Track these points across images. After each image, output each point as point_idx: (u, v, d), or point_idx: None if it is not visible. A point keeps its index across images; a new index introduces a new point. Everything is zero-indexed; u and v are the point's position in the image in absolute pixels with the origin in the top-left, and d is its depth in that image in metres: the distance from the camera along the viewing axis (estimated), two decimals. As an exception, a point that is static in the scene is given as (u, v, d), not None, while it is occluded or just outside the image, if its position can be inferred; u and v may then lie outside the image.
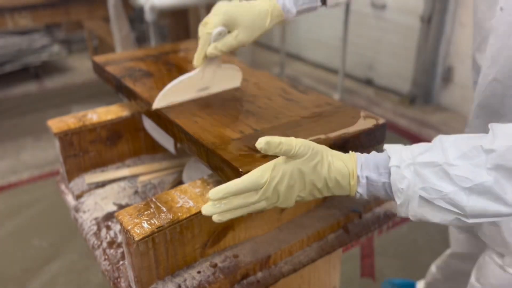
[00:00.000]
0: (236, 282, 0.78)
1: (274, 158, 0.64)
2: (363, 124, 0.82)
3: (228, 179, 0.70)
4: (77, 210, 0.97)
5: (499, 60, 0.76)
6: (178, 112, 0.86)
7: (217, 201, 0.62)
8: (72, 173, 1.05)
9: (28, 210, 2.31)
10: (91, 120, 1.03)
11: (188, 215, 0.71)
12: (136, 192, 1.01)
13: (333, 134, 0.78)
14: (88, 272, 1.91)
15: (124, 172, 1.06)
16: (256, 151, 0.71)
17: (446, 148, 0.57)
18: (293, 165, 0.61)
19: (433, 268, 1.41)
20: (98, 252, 0.85)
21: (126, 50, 2.67)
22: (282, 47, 3.99)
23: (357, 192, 0.63)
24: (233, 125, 0.81)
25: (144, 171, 1.07)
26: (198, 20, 3.34)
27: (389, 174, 0.61)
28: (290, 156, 0.61)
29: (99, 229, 0.90)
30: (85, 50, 4.57)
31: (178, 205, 0.72)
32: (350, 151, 0.66)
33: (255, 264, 0.79)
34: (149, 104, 0.91)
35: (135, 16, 4.46)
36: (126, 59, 1.14)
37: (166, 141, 1.03)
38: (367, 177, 0.62)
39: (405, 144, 0.64)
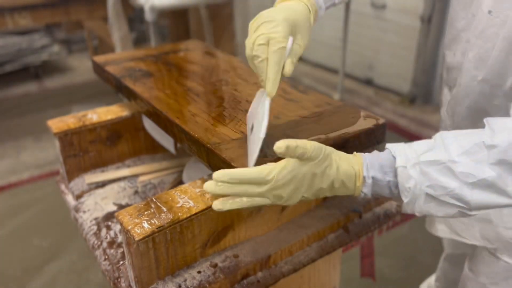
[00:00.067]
0: (236, 282, 0.78)
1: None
2: (363, 124, 0.82)
3: (228, 179, 0.70)
4: (77, 210, 0.97)
5: (487, 61, 0.78)
6: (178, 112, 0.86)
7: (221, 183, 0.62)
8: (72, 173, 1.05)
9: (28, 210, 2.31)
10: (91, 120, 1.03)
11: (188, 215, 0.71)
12: (136, 192, 1.01)
13: (333, 134, 0.78)
14: (88, 272, 1.91)
15: (124, 172, 1.06)
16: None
17: (448, 145, 0.59)
18: (304, 167, 0.62)
19: (431, 281, 1.41)
20: (98, 252, 0.85)
21: (126, 50, 2.67)
22: (282, 47, 3.99)
23: (362, 192, 0.65)
24: (233, 125, 0.81)
25: (144, 171, 1.07)
26: (198, 20, 3.35)
27: (394, 173, 0.63)
28: (304, 159, 0.61)
29: (99, 229, 0.90)
30: (85, 50, 4.57)
31: (178, 205, 0.72)
32: (354, 152, 0.66)
33: (255, 264, 0.79)
34: (149, 104, 0.91)
35: (135, 16, 4.46)
36: (126, 59, 1.14)
37: (166, 141, 1.03)
38: (373, 177, 0.63)
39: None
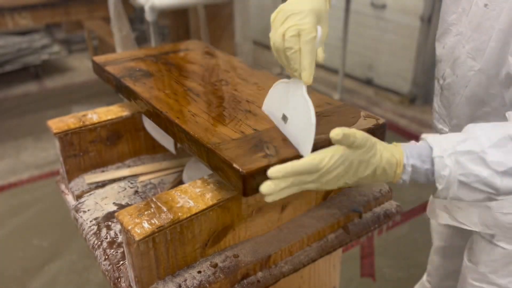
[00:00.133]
0: (237, 282, 0.78)
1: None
2: (363, 124, 0.82)
3: (228, 179, 0.70)
4: (77, 210, 0.97)
5: (484, 53, 0.82)
6: (178, 112, 0.86)
7: (275, 180, 0.63)
8: (72, 173, 1.05)
9: (28, 210, 2.31)
10: (91, 120, 1.03)
11: (188, 215, 0.71)
12: (136, 192, 1.01)
13: (333, 134, 0.78)
14: (88, 272, 1.91)
15: (124, 172, 1.06)
16: (257, 151, 0.71)
17: (478, 137, 0.66)
18: (352, 155, 0.65)
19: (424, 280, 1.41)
20: (98, 252, 0.85)
21: (126, 50, 2.67)
22: (282, 47, 3.98)
23: (401, 179, 0.69)
24: (233, 125, 0.81)
25: (144, 171, 1.07)
26: (198, 20, 3.35)
27: (431, 162, 0.68)
28: (353, 147, 0.65)
29: (99, 229, 0.90)
30: (85, 50, 4.57)
31: (179, 205, 0.72)
32: (393, 142, 0.71)
33: (255, 264, 0.79)
34: (149, 104, 0.91)
35: (135, 16, 4.46)
36: (126, 59, 1.14)
37: (166, 141, 1.03)
38: (412, 166, 0.68)
39: None
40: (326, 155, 0.64)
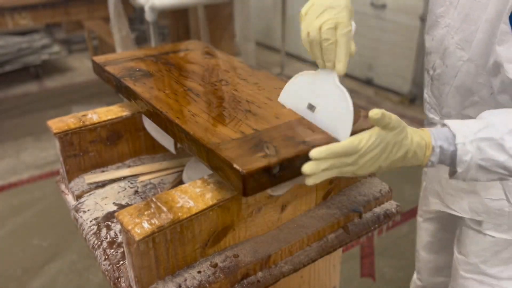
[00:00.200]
0: (237, 282, 0.78)
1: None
2: (363, 124, 0.82)
3: (228, 179, 0.71)
4: (77, 210, 0.97)
5: (472, 43, 0.86)
6: (178, 112, 0.86)
7: (317, 161, 0.67)
8: (72, 173, 1.05)
9: (28, 210, 2.31)
10: (91, 120, 1.03)
11: (188, 215, 0.71)
12: (136, 192, 1.01)
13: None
14: (88, 272, 1.91)
15: (124, 172, 1.06)
16: (256, 151, 0.71)
17: (496, 124, 0.71)
18: (387, 136, 0.69)
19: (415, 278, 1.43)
20: (98, 252, 0.85)
21: (126, 50, 2.67)
22: (282, 47, 3.99)
23: (430, 160, 0.73)
24: (233, 125, 0.81)
25: (144, 171, 1.07)
26: (198, 20, 3.35)
27: (455, 145, 0.73)
28: (388, 128, 0.68)
29: (99, 229, 0.90)
30: (85, 50, 4.57)
31: (179, 205, 0.72)
32: (421, 128, 0.75)
33: (255, 264, 0.79)
34: (149, 104, 0.91)
35: (135, 16, 4.46)
36: (126, 59, 1.14)
37: (166, 141, 1.03)
38: (440, 147, 0.73)
39: None
40: (363, 137, 0.68)
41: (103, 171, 1.07)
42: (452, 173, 0.76)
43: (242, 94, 0.94)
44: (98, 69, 1.13)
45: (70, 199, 1.04)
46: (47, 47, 3.94)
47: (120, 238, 0.86)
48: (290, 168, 0.70)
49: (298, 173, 0.73)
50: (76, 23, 4.32)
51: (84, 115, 1.05)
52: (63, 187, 1.09)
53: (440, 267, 1.30)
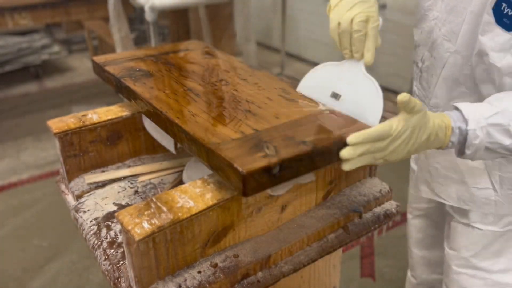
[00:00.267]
0: (237, 282, 0.78)
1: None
2: (363, 124, 0.82)
3: (228, 179, 0.71)
4: (77, 210, 0.97)
5: (458, 34, 0.90)
6: (178, 112, 0.86)
7: (354, 146, 0.70)
8: (72, 173, 1.05)
9: (28, 210, 2.31)
10: (91, 120, 1.03)
11: (188, 215, 0.71)
12: (136, 192, 1.01)
13: (333, 134, 0.78)
14: (88, 272, 1.91)
15: (124, 172, 1.06)
16: (256, 151, 0.71)
17: (504, 111, 0.76)
18: (413, 119, 0.72)
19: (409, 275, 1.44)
20: (98, 252, 0.85)
21: (126, 50, 2.67)
22: (282, 47, 3.99)
23: (450, 141, 0.78)
24: (233, 125, 0.81)
25: (144, 171, 1.07)
26: (198, 20, 3.35)
27: (467, 130, 0.78)
28: (414, 111, 0.72)
29: (99, 229, 0.90)
30: (85, 50, 4.57)
31: (179, 205, 0.72)
32: (438, 112, 0.80)
33: (255, 264, 0.79)
34: (149, 104, 0.91)
35: (135, 16, 4.46)
36: (126, 59, 1.14)
37: (166, 141, 1.03)
38: (459, 128, 0.77)
39: None
40: (393, 122, 0.72)
41: (103, 171, 1.07)
42: (461, 153, 0.81)
43: (242, 94, 0.94)
44: (98, 69, 1.13)
45: (70, 199, 1.04)
46: (47, 47, 3.94)
47: (120, 238, 0.86)
48: (290, 168, 0.70)
49: (298, 173, 0.73)
50: (76, 23, 4.32)
51: (84, 115, 1.05)
52: (63, 187, 1.09)
53: (433, 264, 1.31)
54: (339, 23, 0.81)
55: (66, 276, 1.90)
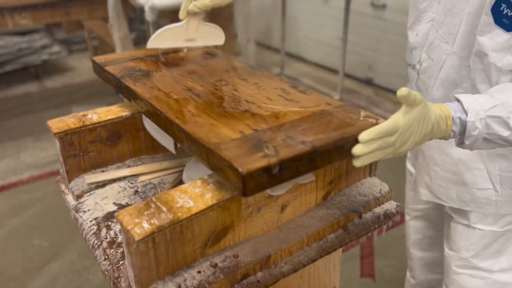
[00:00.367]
0: (236, 282, 0.78)
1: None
2: (363, 124, 0.82)
3: (228, 179, 0.71)
4: (77, 210, 0.97)
5: (456, 35, 0.91)
6: (178, 112, 0.86)
7: (366, 143, 0.71)
8: (72, 173, 1.05)
9: (28, 210, 2.31)
10: (91, 120, 1.03)
11: (188, 215, 0.71)
12: (136, 192, 1.01)
13: (333, 134, 0.78)
14: (88, 272, 1.91)
15: (124, 172, 1.06)
16: (256, 151, 0.71)
17: (504, 103, 0.77)
18: (416, 110, 0.74)
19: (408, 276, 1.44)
20: (98, 252, 0.85)
21: (125, 50, 2.67)
22: (282, 47, 3.99)
23: (452, 131, 0.79)
24: (233, 125, 0.81)
25: (144, 171, 1.07)
26: (198, 20, 3.34)
27: (466, 122, 0.79)
28: (415, 104, 0.73)
29: (99, 229, 0.90)
30: (85, 50, 4.57)
31: (178, 205, 0.72)
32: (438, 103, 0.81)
33: (255, 264, 0.79)
34: (149, 104, 0.91)
35: (135, 16, 4.47)
36: (126, 59, 1.14)
37: (166, 141, 1.03)
38: (459, 118, 0.79)
39: None
40: (399, 116, 0.73)
41: (103, 171, 1.07)
42: (460, 143, 0.83)
43: (242, 94, 0.94)
44: (98, 69, 1.13)
45: (70, 199, 1.04)
46: (47, 47, 3.94)
47: (120, 238, 0.86)
48: (290, 168, 0.70)
49: (298, 173, 0.73)
50: (76, 23, 4.32)
51: (84, 115, 1.05)
52: (63, 187, 1.09)
53: (431, 264, 1.32)
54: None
55: (66, 276, 1.90)
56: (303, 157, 0.71)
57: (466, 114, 0.79)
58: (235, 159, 0.69)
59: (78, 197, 1.01)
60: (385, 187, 0.99)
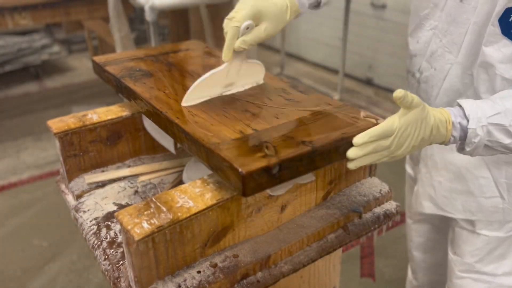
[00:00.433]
0: (236, 282, 0.78)
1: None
2: (363, 124, 0.82)
3: (228, 179, 0.71)
4: (77, 210, 0.97)
5: (461, 45, 0.89)
6: (178, 112, 0.86)
7: (360, 146, 0.71)
8: (72, 173, 1.05)
9: (28, 210, 2.31)
10: (91, 120, 1.03)
11: (188, 215, 0.71)
12: (136, 192, 1.01)
13: (333, 134, 0.78)
14: (88, 272, 1.91)
15: (124, 172, 1.06)
16: (256, 151, 0.71)
17: (506, 111, 0.77)
18: (413, 113, 0.73)
19: (409, 275, 1.44)
20: (98, 252, 0.85)
21: (126, 50, 2.67)
22: (282, 47, 3.99)
23: (452, 136, 0.79)
24: (233, 125, 0.81)
25: (144, 171, 1.07)
26: (199, 20, 3.35)
27: (467, 129, 0.79)
28: (412, 106, 0.72)
29: (99, 229, 0.90)
30: (85, 50, 4.57)
31: (178, 205, 0.72)
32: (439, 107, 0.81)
33: (255, 264, 0.79)
34: (149, 104, 0.91)
35: (135, 16, 4.47)
36: (126, 59, 1.14)
37: (166, 141, 1.03)
38: (459, 123, 0.78)
39: None
40: (395, 118, 0.73)
41: (103, 171, 1.07)
42: (461, 149, 0.82)
43: (242, 94, 0.94)
44: (98, 69, 1.13)
45: (70, 199, 1.04)
46: (47, 47, 3.94)
47: (120, 238, 0.86)
48: (290, 168, 0.70)
49: (298, 173, 0.73)
50: (76, 23, 4.32)
51: (84, 115, 1.05)
52: (63, 187, 1.09)
53: (434, 266, 1.31)
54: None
55: (66, 276, 1.90)
56: (303, 157, 0.71)
57: (467, 120, 0.78)
58: (235, 159, 0.69)
59: (78, 197, 1.01)
60: (385, 187, 0.99)
